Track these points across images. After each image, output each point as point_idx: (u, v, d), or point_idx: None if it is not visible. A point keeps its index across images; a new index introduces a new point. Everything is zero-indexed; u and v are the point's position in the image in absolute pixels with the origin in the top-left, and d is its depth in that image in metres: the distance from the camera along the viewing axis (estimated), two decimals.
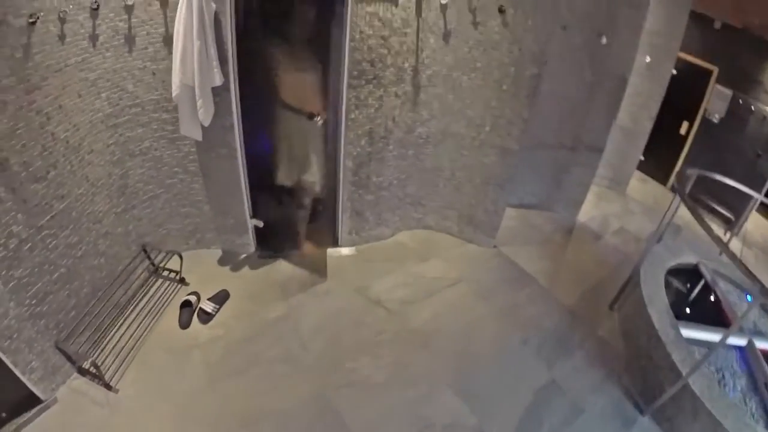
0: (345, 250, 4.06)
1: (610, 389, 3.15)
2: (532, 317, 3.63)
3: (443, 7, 3.38)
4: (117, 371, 2.76)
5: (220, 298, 3.38)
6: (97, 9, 2.57)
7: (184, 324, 3.16)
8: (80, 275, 2.75)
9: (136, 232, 3.35)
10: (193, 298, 3.31)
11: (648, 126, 5.40)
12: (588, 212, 5.00)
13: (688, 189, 3.65)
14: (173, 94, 2.87)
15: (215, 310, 3.27)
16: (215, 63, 2.87)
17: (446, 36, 3.48)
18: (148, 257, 3.43)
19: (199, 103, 2.89)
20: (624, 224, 5.03)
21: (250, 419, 2.69)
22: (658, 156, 6.23)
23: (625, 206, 5.44)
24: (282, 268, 3.79)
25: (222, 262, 3.76)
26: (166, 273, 3.51)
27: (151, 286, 3.39)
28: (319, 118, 3.45)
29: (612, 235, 4.79)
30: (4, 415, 2.39)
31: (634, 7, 4.06)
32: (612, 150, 5.32)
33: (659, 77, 5.14)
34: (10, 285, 2.26)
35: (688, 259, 4.01)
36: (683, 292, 4.00)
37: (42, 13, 2.19)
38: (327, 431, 2.72)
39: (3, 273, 2.23)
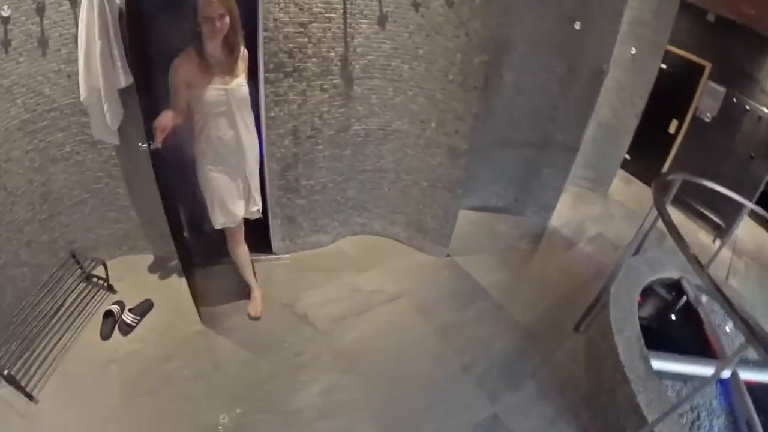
0: (278, 259, 3.51)
1: (564, 429, 2.58)
2: (478, 339, 3.06)
3: None
4: (39, 381, 2.55)
5: (143, 308, 2.97)
6: (9, 16, 2.37)
7: (105, 335, 2.86)
8: (2, 287, 2.59)
9: (63, 238, 3.06)
10: (116, 308, 2.94)
11: (633, 123, 4.71)
12: (563, 216, 4.37)
13: (671, 195, 3.10)
14: (81, 98, 2.60)
15: (135, 321, 2.91)
16: (119, 63, 2.53)
17: (382, 20, 2.90)
18: (78, 264, 3.05)
19: (105, 106, 2.61)
20: (602, 230, 4.36)
21: None
22: (645, 155, 5.53)
23: (605, 209, 4.77)
24: (210, 276, 3.27)
25: (152, 269, 3.31)
26: (95, 280, 3.12)
27: (81, 294, 3.01)
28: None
29: (587, 243, 4.15)
30: None
31: None
32: (593, 148, 4.71)
33: (645, 71, 4.45)
34: None
35: (671, 273, 3.37)
36: (662, 310, 3.43)
37: None
38: None
39: None
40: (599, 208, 4.77)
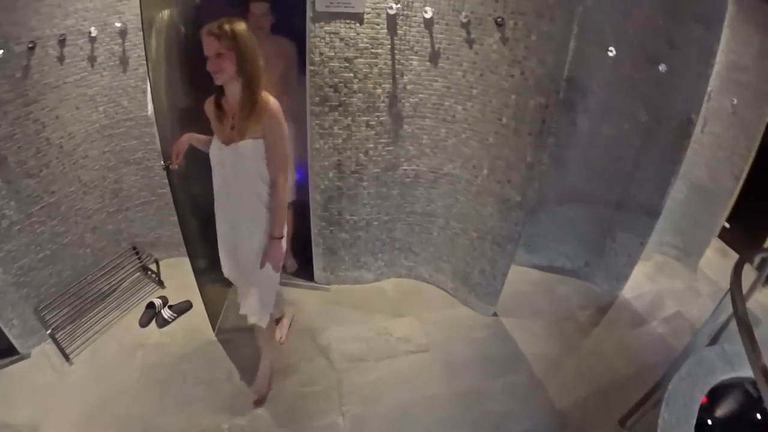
0: (317, 288, 3.20)
1: None
2: (499, 414, 2.47)
3: (428, 23, 2.49)
4: (79, 347, 2.74)
5: (181, 308, 3.02)
6: (96, 36, 2.66)
7: (143, 323, 2.97)
8: (63, 260, 2.82)
9: (127, 231, 3.27)
10: (158, 302, 3.00)
11: (732, 185, 3.78)
12: (639, 287, 3.55)
13: (765, 275, 2.38)
14: (148, 113, 2.76)
15: (172, 318, 2.95)
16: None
17: (434, 57, 2.58)
18: (137, 256, 3.24)
19: None
20: (683, 308, 3.44)
21: (148, 429, 2.33)
22: (748, 224, 4.37)
23: (691, 285, 3.80)
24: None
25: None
26: (149, 273, 3.30)
27: (134, 282, 3.20)
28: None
29: (661, 322, 3.28)
30: None
31: (702, 24, 2.72)
32: (684, 212, 3.84)
33: (748, 125, 3.55)
34: (0, 255, 2.48)
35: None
36: (738, 417, 2.59)
37: (40, 40, 2.39)
38: None
39: None
40: (684, 282, 3.81)
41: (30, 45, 2.34)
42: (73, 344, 2.73)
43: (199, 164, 2.24)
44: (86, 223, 2.90)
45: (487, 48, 2.47)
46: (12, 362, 2.62)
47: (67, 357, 2.64)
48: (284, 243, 2.16)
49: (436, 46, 2.54)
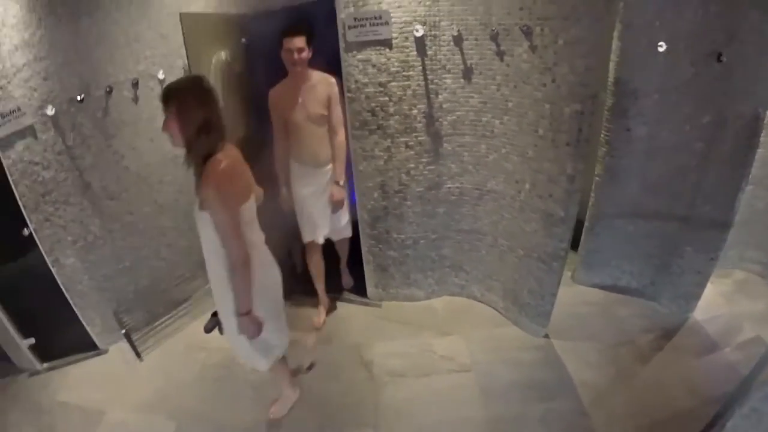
0: (369, 303, 3.10)
1: None
2: None
3: (457, 40, 2.37)
4: (151, 346, 2.94)
5: None
6: (164, 79, 2.87)
7: (207, 329, 2.89)
8: (141, 270, 3.03)
9: (198, 246, 3.16)
10: None
11: None
12: (713, 308, 2.86)
13: None
14: None
15: None
16: None
17: (467, 73, 2.43)
18: None
19: None
20: (765, 333, 2.69)
21: (197, 418, 2.45)
22: None
23: None
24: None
25: None
26: None
27: (205, 293, 3.19)
28: None
29: (736, 349, 2.59)
30: None
31: (762, 10, 2.17)
32: (766, 223, 3.01)
33: None
34: (86, 264, 2.76)
35: None
36: None
37: (116, 84, 2.67)
38: None
39: (82, 255, 2.75)
40: (766, 303, 2.98)
41: (108, 89, 2.64)
42: (145, 344, 2.95)
43: None
44: (161, 239, 3.13)
45: (518, 59, 2.27)
46: (92, 356, 2.89)
47: (138, 354, 2.87)
48: (257, 316, 1.88)
49: (468, 62, 2.41)
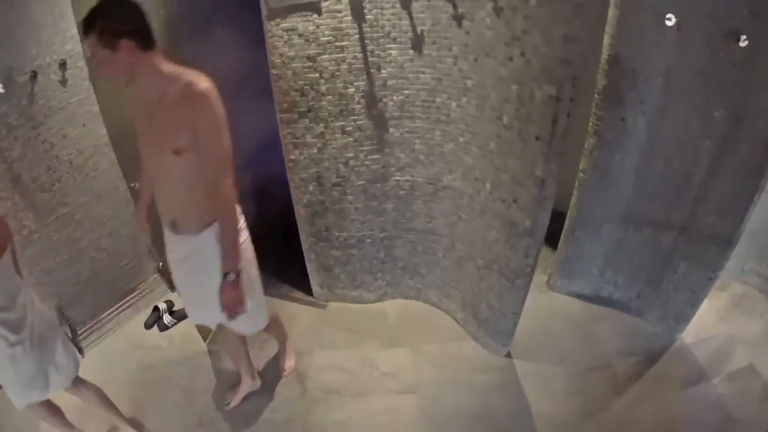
0: (314, 303, 2.51)
1: None
2: None
3: (404, 2, 1.63)
4: (92, 342, 2.50)
5: (181, 315, 2.57)
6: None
7: (148, 325, 2.65)
8: (81, 262, 2.57)
9: (143, 235, 2.83)
10: (163, 306, 2.64)
11: None
12: (705, 327, 2.21)
13: None
14: None
15: (172, 323, 2.57)
16: None
17: (417, 43, 1.72)
18: (153, 259, 2.83)
19: None
20: (758, 360, 2.06)
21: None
22: None
23: None
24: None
25: None
26: (164, 276, 2.83)
27: (149, 284, 2.74)
28: None
29: (726, 379, 1.99)
30: None
31: None
32: None
33: None
34: (23, 259, 2.28)
35: None
36: None
37: (41, 68, 2.13)
38: None
39: (19, 251, 2.25)
40: (766, 323, 2.30)
41: (32, 74, 2.09)
42: (88, 339, 2.49)
43: None
44: (101, 229, 2.62)
45: (479, 24, 1.56)
46: None
47: (80, 350, 2.43)
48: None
49: (419, 28, 1.69)
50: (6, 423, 2.10)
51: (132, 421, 1.99)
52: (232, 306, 1.42)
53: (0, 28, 2.00)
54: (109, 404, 1.88)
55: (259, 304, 1.65)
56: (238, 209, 1.43)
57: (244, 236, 1.51)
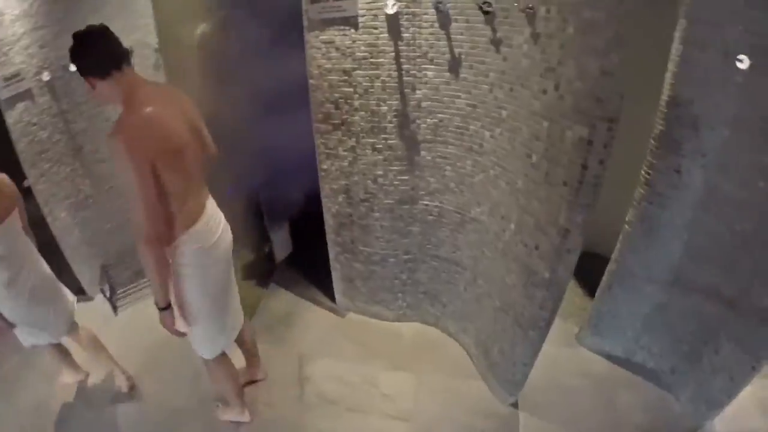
0: (335, 310, 2.44)
1: None
2: None
3: (443, 21, 1.54)
4: (127, 304, 2.66)
5: None
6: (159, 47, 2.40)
7: None
8: (127, 232, 2.69)
9: None
10: None
11: None
12: (741, 419, 1.73)
13: None
14: None
15: None
16: None
17: (454, 65, 1.59)
18: None
19: None
20: None
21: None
22: None
23: None
24: (280, 296, 2.59)
25: None
26: None
27: None
28: None
29: None
30: None
31: None
32: None
33: None
34: (76, 220, 2.59)
35: None
36: None
37: None
38: None
39: (73, 211, 2.58)
40: None
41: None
42: (124, 300, 2.67)
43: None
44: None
45: (517, 51, 1.39)
46: (82, 300, 2.64)
47: (115, 308, 2.64)
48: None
49: (456, 50, 1.56)
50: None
51: (127, 376, 2.11)
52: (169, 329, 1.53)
53: (76, 14, 2.27)
54: (102, 348, 2.06)
55: (203, 332, 1.60)
56: (177, 243, 1.40)
57: (184, 271, 1.46)
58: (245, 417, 1.91)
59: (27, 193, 2.46)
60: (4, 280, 1.61)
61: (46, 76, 2.31)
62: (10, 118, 2.27)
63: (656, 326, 1.89)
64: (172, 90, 1.47)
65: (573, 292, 2.43)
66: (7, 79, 2.19)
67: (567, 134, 1.29)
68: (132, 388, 2.12)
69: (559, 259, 1.45)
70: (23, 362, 2.31)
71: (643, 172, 1.65)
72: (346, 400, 1.99)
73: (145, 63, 2.40)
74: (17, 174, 2.36)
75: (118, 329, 2.47)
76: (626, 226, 1.78)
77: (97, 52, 1.25)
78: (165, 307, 1.45)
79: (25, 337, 1.82)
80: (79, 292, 2.69)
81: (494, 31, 1.44)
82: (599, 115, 1.18)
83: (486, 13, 1.37)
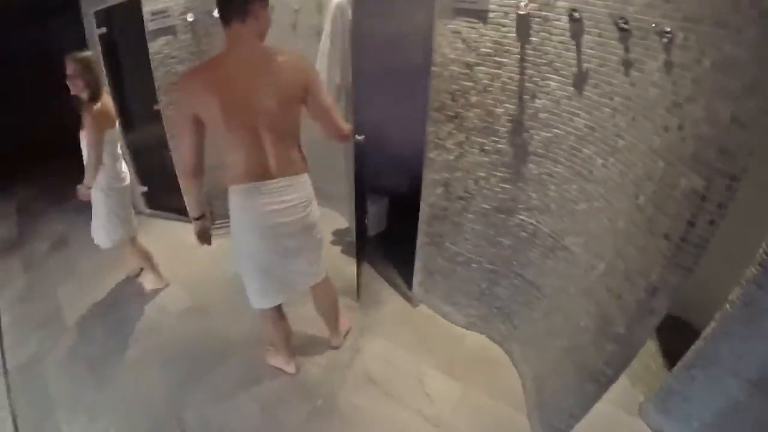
0: (409, 298, 2.49)
1: None
2: None
3: (575, 30, 1.41)
4: (222, 235, 2.74)
5: None
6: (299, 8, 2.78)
7: None
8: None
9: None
10: None
11: None
12: None
13: None
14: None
15: None
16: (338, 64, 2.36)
17: (579, 80, 1.47)
18: None
19: None
20: None
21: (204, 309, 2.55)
22: None
23: None
24: (363, 269, 2.74)
25: None
26: None
27: None
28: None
29: None
30: None
31: None
32: None
33: None
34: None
35: None
36: None
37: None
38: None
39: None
40: None
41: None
42: (219, 231, 2.86)
43: None
44: None
45: (647, 77, 1.22)
46: (183, 220, 3.28)
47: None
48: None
49: (584, 65, 1.43)
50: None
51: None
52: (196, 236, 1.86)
53: None
54: (154, 267, 2.69)
55: (244, 280, 1.81)
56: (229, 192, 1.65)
57: (232, 216, 1.68)
58: (290, 368, 2.13)
59: (156, 116, 2.99)
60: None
61: (190, 17, 2.68)
62: (152, 48, 2.72)
63: (726, 425, 1.53)
64: (275, 56, 1.50)
65: (651, 356, 2.09)
66: (154, 13, 2.62)
67: (681, 182, 1.10)
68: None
69: (640, 318, 1.27)
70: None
71: (761, 250, 1.30)
72: (387, 385, 2.08)
73: (283, 21, 2.70)
74: (150, 98, 2.92)
75: (201, 255, 2.67)
76: (727, 306, 1.44)
77: (219, 5, 1.47)
78: (197, 217, 1.76)
79: (102, 238, 2.48)
80: (185, 212, 2.95)
81: (627, 51, 1.27)
82: (720, 169, 0.99)
83: (622, 30, 1.23)
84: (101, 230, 2.46)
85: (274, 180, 1.58)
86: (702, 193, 1.05)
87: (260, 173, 1.56)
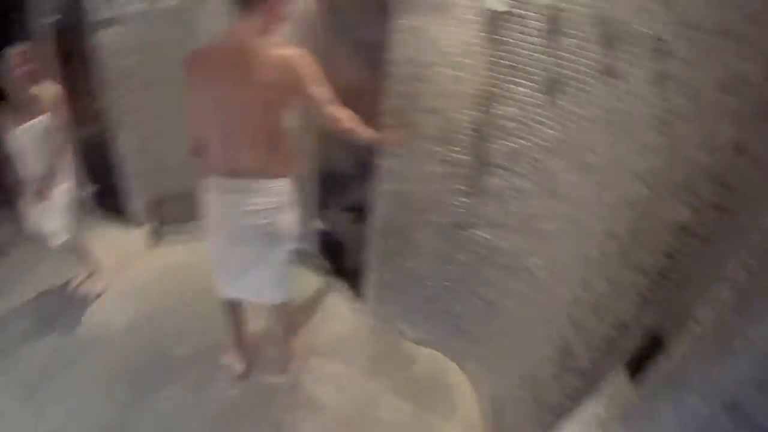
0: (359, 308, 2.32)
1: None
2: None
3: (552, 31, 1.26)
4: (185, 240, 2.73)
5: None
6: None
7: None
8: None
9: None
10: None
11: None
12: None
13: None
14: None
15: None
16: None
17: (551, 87, 1.33)
18: None
19: None
20: None
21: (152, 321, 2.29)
22: None
23: None
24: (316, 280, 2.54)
25: None
26: None
27: None
28: None
29: None
30: None
31: None
32: None
33: None
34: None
35: None
36: None
37: None
38: None
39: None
40: None
41: None
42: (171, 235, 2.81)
43: None
44: None
45: (633, 89, 1.09)
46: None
47: (158, 239, 2.80)
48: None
49: (558, 69, 1.29)
50: None
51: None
52: None
53: None
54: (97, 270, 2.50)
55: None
56: None
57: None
58: (237, 367, 1.97)
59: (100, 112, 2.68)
60: None
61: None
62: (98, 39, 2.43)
63: None
64: (266, 53, 1.40)
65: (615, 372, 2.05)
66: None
67: (666, 213, 1.00)
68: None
69: (606, 354, 1.17)
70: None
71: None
72: (336, 411, 1.88)
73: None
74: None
75: (152, 261, 2.60)
76: (696, 326, 1.40)
77: None
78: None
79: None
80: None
81: (610, 57, 1.15)
82: (712, 202, 0.88)
83: (607, 33, 1.12)
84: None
85: (242, 180, 1.52)
86: (689, 228, 0.95)
87: (228, 170, 1.52)
